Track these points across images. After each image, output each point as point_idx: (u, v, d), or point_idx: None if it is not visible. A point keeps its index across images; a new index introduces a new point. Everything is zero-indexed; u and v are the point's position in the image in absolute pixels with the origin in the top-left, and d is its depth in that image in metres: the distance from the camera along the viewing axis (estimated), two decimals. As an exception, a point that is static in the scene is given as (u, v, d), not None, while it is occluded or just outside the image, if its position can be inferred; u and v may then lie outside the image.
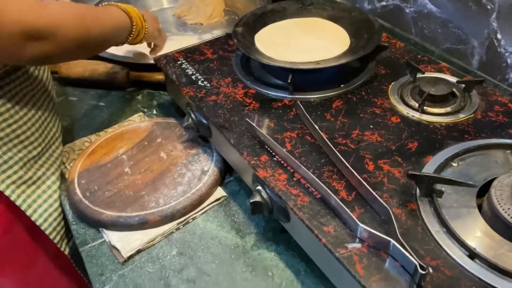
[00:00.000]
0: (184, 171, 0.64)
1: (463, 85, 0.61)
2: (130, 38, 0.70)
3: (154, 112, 0.80)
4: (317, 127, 0.56)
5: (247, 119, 0.58)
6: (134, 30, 0.70)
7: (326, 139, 0.55)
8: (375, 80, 0.66)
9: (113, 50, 0.87)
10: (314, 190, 0.49)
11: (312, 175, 0.49)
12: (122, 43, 0.70)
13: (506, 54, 0.62)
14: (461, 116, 0.57)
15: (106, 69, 0.84)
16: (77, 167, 0.66)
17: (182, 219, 0.58)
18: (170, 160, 0.66)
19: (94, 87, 0.86)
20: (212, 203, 0.61)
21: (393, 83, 0.65)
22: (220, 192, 0.63)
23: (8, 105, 0.57)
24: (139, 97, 0.84)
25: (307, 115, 0.58)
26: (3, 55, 0.50)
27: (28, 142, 0.61)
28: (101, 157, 0.67)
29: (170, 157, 0.66)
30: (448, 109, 0.59)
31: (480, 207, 0.46)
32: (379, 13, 0.81)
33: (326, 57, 0.65)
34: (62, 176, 0.67)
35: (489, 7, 0.61)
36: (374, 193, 0.46)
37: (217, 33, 1.02)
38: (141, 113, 0.79)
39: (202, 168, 0.64)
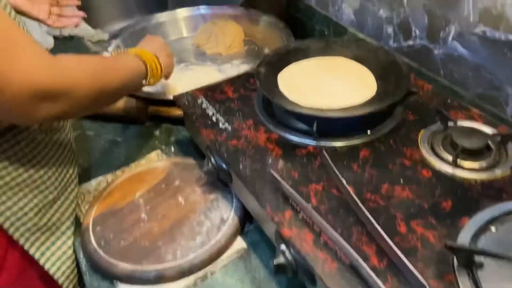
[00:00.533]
0: (203, 219, 0.61)
1: (499, 137, 0.58)
2: (148, 79, 0.67)
3: (172, 149, 0.78)
4: (344, 181, 0.53)
5: (271, 171, 0.56)
6: (149, 72, 0.66)
7: (353, 195, 0.52)
8: (403, 127, 0.63)
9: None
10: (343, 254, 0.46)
11: (341, 239, 0.46)
12: (141, 88, 0.68)
13: (545, 105, 0.59)
14: (497, 172, 0.54)
15: (124, 104, 0.82)
16: (92, 212, 0.64)
17: (200, 273, 0.56)
18: (189, 206, 0.64)
19: (111, 121, 0.85)
20: (231, 255, 0.58)
21: (422, 131, 0.62)
22: (240, 243, 0.60)
23: (26, 150, 0.56)
24: (157, 132, 0.82)
25: (333, 167, 0.55)
26: (13, 117, 0.45)
27: (44, 186, 0.59)
28: (117, 200, 0.65)
29: (188, 202, 0.64)
30: (483, 163, 0.55)
31: (523, 280, 0.42)
32: (405, 52, 0.78)
33: (353, 103, 0.63)
34: (76, 220, 0.65)
35: (527, 55, 0.58)
36: (408, 264, 0.43)
37: (237, 63, 1.01)
38: (158, 151, 0.77)
39: (222, 216, 0.62)
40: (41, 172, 0.58)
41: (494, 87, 0.65)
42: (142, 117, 0.84)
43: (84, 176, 0.72)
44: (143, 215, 0.63)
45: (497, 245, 0.45)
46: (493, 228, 0.47)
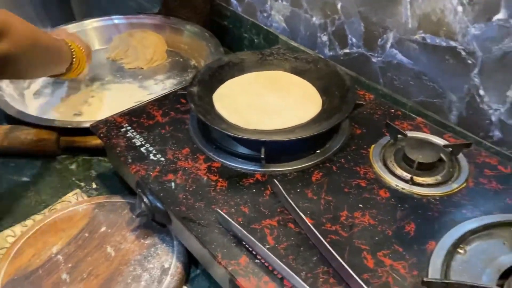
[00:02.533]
0: (140, 271, 0.52)
1: (450, 148, 0.56)
2: (73, 63, 0.74)
3: (93, 186, 0.67)
4: (300, 212, 0.48)
5: (217, 209, 0.48)
6: (74, 57, 0.74)
7: (313, 229, 0.46)
8: (353, 143, 0.59)
9: (38, 113, 0.74)
10: (312, 305, 0.40)
11: (305, 285, 0.40)
12: (66, 70, 0.74)
13: (490, 111, 0.58)
14: (454, 186, 0.52)
15: (30, 136, 0.69)
16: (-3, 279, 0.51)
17: None
18: (120, 257, 0.54)
19: (14, 156, 0.71)
20: (178, 311, 0.50)
21: (373, 146, 0.58)
22: (187, 295, 0.52)
23: None
24: (73, 166, 0.70)
25: (287, 197, 0.49)
26: None
27: None
28: (29, 260, 0.53)
29: (119, 252, 0.54)
30: (438, 177, 0.53)
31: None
32: (341, 61, 0.75)
33: (300, 121, 0.57)
34: (-24, 290, 0.52)
35: (469, 62, 0.57)
36: (388, 310, 0.38)
37: (161, 78, 0.91)
38: (77, 190, 0.65)
39: (162, 265, 0.53)
40: None
41: (437, 95, 0.63)
42: (53, 149, 0.71)
43: (-16, 232, 0.59)
44: (64, 276, 0.51)
45: (469, 269, 0.42)
46: (461, 251, 0.45)
